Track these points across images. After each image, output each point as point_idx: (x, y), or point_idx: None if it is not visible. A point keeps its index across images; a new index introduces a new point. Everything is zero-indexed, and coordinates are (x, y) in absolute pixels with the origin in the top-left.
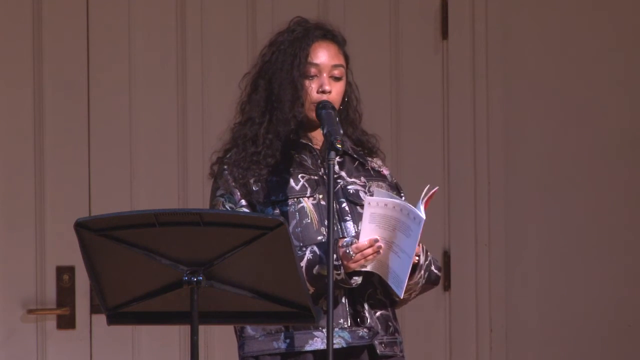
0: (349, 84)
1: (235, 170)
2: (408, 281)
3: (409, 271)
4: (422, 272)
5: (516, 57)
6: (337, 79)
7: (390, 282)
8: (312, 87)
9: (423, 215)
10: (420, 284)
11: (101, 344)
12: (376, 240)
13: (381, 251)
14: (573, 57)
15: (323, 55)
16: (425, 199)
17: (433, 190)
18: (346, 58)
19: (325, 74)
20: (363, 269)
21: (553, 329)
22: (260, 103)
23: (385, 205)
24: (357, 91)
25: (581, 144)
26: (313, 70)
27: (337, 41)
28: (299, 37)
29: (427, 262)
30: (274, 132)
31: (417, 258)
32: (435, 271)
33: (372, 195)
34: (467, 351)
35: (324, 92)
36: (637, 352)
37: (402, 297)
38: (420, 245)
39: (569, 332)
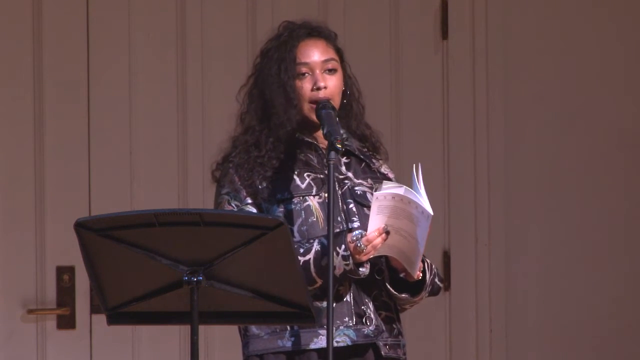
0: (348, 77)
1: (241, 170)
2: (412, 298)
3: (421, 255)
4: (427, 289)
5: (516, 57)
6: (331, 71)
7: (403, 262)
8: (306, 86)
9: (431, 210)
10: (422, 299)
11: (101, 344)
12: (384, 228)
13: (388, 236)
14: (573, 57)
15: (311, 53)
16: (421, 184)
17: (420, 170)
18: (338, 51)
19: (317, 71)
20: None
21: (553, 329)
22: (258, 112)
23: (393, 197)
24: (358, 84)
25: (581, 144)
26: (304, 70)
27: (324, 36)
28: (285, 40)
29: (431, 277)
30: (275, 136)
31: (421, 274)
32: (439, 283)
33: (379, 189)
34: (467, 351)
35: (318, 89)
36: (637, 352)
37: (415, 276)
38: (427, 262)
39: (568, 332)
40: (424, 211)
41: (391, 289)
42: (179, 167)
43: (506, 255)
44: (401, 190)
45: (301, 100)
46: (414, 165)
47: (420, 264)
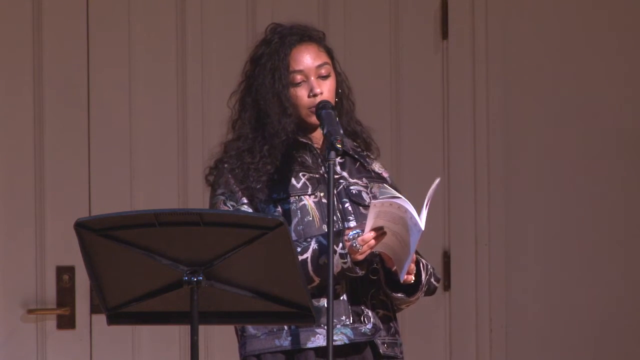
0: (338, 74)
1: (237, 170)
2: (408, 298)
3: (409, 262)
4: (423, 290)
5: (516, 57)
6: (325, 77)
7: (395, 262)
8: (302, 94)
9: (422, 226)
10: (417, 299)
11: (101, 344)
12: (380, 228)
13: (384, 237)
14: (573, 57)
15: (305, 60)
16: (429, 200)
17: (435, 184)
18: (329, 52)
19: (312, 77)
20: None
21: (553, 329)
22: (251, 121)
23: (391, 205)
24: (348, 80)
25: (581, 143)
26: (299, 77)
27: (315, 39)
28: (277, 48)
29: (427, 278)
30: (269, 144)
31: (413, 278)
32: (435, 283)
33: (376, 195)
34: (467, 351)
35: (315, 95)
36: (637, 351)
37: (402, 280)
38: (422, 263)
39: (568, 332)
40: (416, 224)
41: (387, 289)
42: (179, 167)
43: (506, 255)
44: (399, 200)
45: (297, 108)
46: (437, 180)
47: (413, 267)
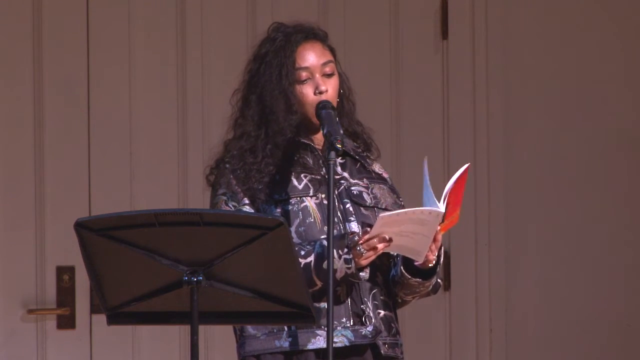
0: (339, 75)
1: (237, 172)
2: (424, 282)
3: (428, 246)
4: (436, 277)
5: (516, 57)
6: (330, 75)
7: (409, 255)
8: (308, 91)
9: (442, 208)
10: (428, 290)
11: (101, 344)
12: (386, 236)
13: (388, 241)
14: (573, 57)
15: (310, 57)
16: (455, 181)
17: (464, 169)
18: (332, 51)
19: (317, 75)
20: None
21: (553, 329)
22: (255, 118)
23: (398, 215)
24: (348, 81)
25: (581, 143)
26: (304, 75)
27: (320, 38)
28: (282, 45)
29: (440, 266)
30: (272, 142)
31: (435, 258)
32: (439, 281)
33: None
34: (467, 351)
35: (321, 92)
36: (637, 352)
37: (421, 261)
38: (441, 248)
39: (568, 332)
40: (431, 212)
41: (406, 273)
42: (179, 167)
43: (506, 255)
44: (405, 210)
45: (303, 105)
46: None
47: (435, 249)
